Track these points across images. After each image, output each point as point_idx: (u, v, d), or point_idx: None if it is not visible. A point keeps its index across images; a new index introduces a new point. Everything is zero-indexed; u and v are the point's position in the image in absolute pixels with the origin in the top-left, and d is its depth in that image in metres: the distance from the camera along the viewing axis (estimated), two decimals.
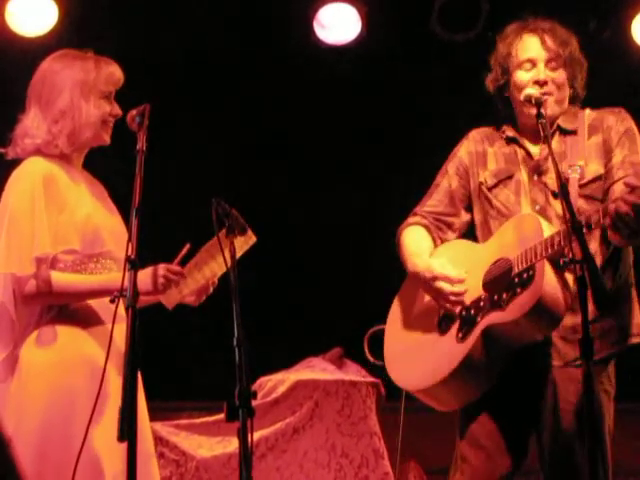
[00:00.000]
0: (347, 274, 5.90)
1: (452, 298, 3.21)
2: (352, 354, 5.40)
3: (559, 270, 3.01)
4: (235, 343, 2.74)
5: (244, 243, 3.24)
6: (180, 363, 5.58)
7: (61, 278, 3.14)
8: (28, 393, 3.07)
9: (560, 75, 3.31)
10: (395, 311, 3.49)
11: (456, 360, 3.13)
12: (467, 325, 3.16)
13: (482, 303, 3.15)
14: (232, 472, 4.86)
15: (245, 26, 5.65)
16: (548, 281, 2.99)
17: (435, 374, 3.19)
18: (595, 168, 3.24)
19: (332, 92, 5.84)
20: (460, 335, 3.17)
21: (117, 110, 3.31)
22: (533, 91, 3.24)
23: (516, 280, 3.07)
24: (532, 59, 3.31)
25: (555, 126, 3.32)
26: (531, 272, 3.03)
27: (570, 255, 2.79)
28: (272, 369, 5.33)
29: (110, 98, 3.32)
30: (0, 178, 3.25)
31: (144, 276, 3.11)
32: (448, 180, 3.48)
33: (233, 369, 2.71)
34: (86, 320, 3.18)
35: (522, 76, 3.32)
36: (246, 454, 2.62)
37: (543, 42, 3.32)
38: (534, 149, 3.36)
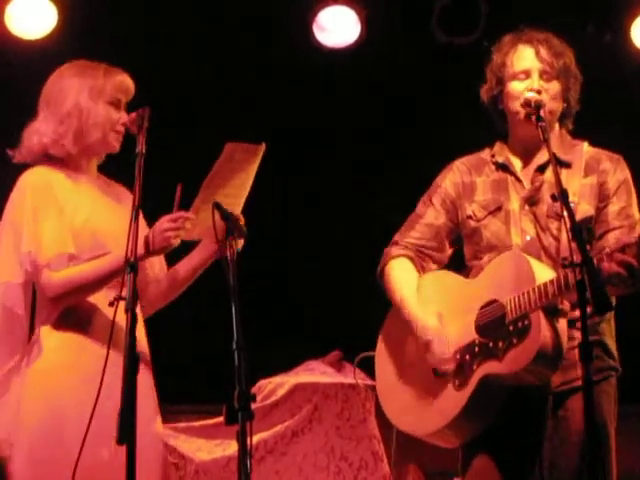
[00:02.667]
0: (348, 277, 5.90)
1: (440, 369, 3.21)
2: (351, 358, 5.40)
3: (552, 318, 3.01)
4: (234, 346, 2.74)
5: (256, 157, 3.18)
6: (179, 365, 5.57)
7: (62, 274, 3.12)
8: (24, 400, 3.08)
9: (554, 86, 3.28)
10: (383, 345, 3.45)
11: (456, 408, 3.13)
12: (463, 372, 3.15)
13: (477, 349, 3.14)
14: (231, 475, 4.86)
15: (244, 29, 5.65)
16: (544, 333, 2.98)
17: (436, 421, 3.19)
18: (586, 208, 3.21)
19: (331, 95, 5.85)
20: (457, 382, 3.16)
21: (125, 118, 3.28)
22: (532, 94, 3.24)
23: (511, 328, 3.06)
24: (526, 70, 3.29)
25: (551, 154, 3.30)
26: (526, 322, 3.02)
27: (569, 258, 2.80)
28: (271, 372, 5.32)
29: (119, 106, 3.31)
30: (5, 185, 3.27)
31: (151, 236, 3.06)
32: (434, 213, 3.42)
33: (232, 372, 2.71)
34: (87, 326, 3.17)
35: (516, 86, 3.30)
36: (245, 457, 2.62)
37: (537, 53, 3.29)
38: (524, 173, 3.33)
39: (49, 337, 3.13)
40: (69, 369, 3.09)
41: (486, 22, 5.44)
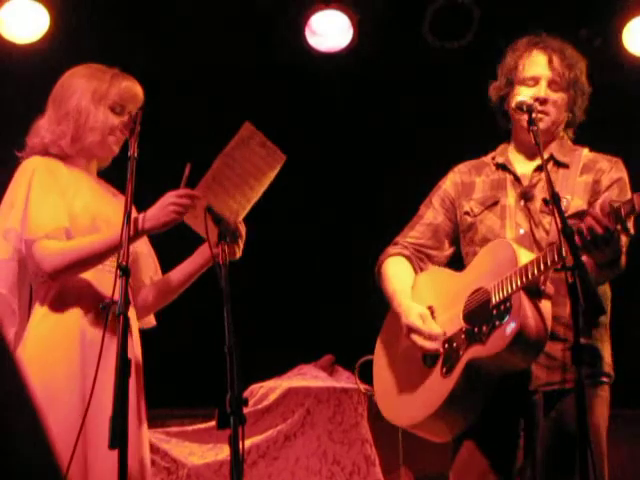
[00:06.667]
0: (340, 281, 5.90)
1: (425, 348, 3.21)
2: (343, 361, 5.40)
3: (535, 299, 3.02)
4: (226, 350, 2.74)
5: (274, 162, 3.18)
6: (171, 370, 5.56)
7: (59, 245, 3.11)
8: None
9: (561, 97, 3.31)
10: (381, 345, 3.49)
11: (443, 395, 3.14)
12: (450, 359, 3.17)
13: (463, 336, 3.15)
14: (223, 479, 4.86)
15: (236, 33, 5.65)
16: (525, 313, 2.99)
17: (424, 410, 3.21)
18: (579, 203, 3.24)
19: (323, 99, 5.85)
20: (444, 370, 3.18)
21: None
22: (525, 98, 3.24)
23: (494, 312, 3.08)
24: (536, 77, 3.31)
25: (549, 155, 3.32)
26: (508, 304, 3.04)
27: (561, 262, 2.81)
28: (264, 376, 5.32)
29: (122, 112, 3.30)
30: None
31: (154, 210, 3.07)
32: (433, 213, 3.48)
33: (224, 376, 2.71)
34: (81, 305, 3.15)
35: (523, 91, 3.31)
36: (237, 461, 2.61)
37: (550, 61, 3.31)
38: (524, 171, 3.35)
39: (40, 324, 3.12)
40: (59, 358, 3.07)
41: (478, 27, 5.45)
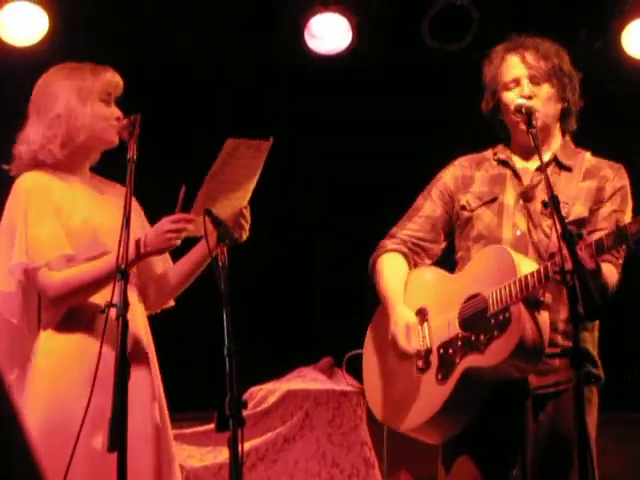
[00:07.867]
0: (340, 283, 5.90)
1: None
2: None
3: (534, 310, 3.02)
4: (225, 352, 2.73)
5: (262, 153, 3.16)
6: (170, 372, 5.56)
7: (61, 274, 3.10)
8: (31, 395, 3.06)
9: (545, 90, 3.30)
10: (371, 340, 3.48)
11: (439, 402, 3.14)
12: (446, 366, 3.16)
13: (459, 343, 3.15)
14: None
15: (236, 35, 5.66)
16: (524, 325, 2.99)
17: (419, 416, 3.21)
18: (580, 210, 3.23)
19: (323, 102, 5.85)
20: (440, 376, 3.17)
21: (118, 112, 3.27)
22: (523, 100, 3.25)
23: (492, 321, 3.07)
24: (515, 78, 3.31)
25: (552, 156, 3.31)
26: (507, 314, 3.03)
27: (558, 266, 2.81)
28: (263, 379, 5.32)
29: (109, 102, 3.29)
30: (3, 196, 3.25)
31: (151, 236, 3.08)
32: (432, 205, 3.46)
33: (223, 378, 2.71)
34: (89, 327, 3.14)
35: (508, 95, 3.32)
36: (236, 464, 2.61)
37: (523, 60, 3.31)
38: (524, 170, 3.35)
39: (50, 341, 3.11)
40: (71, 368, 3.07)
41: (477, 28, 5.45)
